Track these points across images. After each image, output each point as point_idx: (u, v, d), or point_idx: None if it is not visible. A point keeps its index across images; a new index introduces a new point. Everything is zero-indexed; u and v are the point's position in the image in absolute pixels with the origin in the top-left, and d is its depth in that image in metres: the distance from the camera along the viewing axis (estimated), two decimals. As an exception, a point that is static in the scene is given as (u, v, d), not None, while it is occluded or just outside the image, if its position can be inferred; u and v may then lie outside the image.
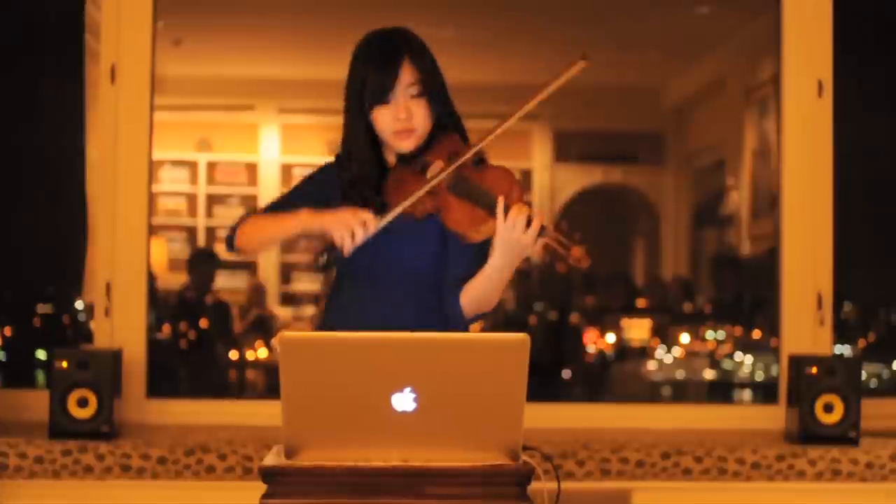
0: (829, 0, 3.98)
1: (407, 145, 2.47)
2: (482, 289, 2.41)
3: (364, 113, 2.47)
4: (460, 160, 2.39)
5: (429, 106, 2.47)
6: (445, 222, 2.40)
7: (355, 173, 2.49)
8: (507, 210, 2.29)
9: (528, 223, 2.27)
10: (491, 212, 2.32)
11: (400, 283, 2.46)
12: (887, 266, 4.21)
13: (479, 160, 2.46)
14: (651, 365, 6.52)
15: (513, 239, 2.28)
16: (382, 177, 2.49)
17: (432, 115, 2.48)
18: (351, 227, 2.35)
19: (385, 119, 2.45)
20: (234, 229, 2.58)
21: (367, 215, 2.37)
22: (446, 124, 2.51)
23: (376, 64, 2.44)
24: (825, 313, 3.94)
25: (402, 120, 2.44)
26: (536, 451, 2.20)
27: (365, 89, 2.45)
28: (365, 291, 2.49)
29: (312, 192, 2.57)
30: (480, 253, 2.41)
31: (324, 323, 2.59)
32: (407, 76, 2.44)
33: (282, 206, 2.55)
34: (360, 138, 2.49)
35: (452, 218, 2.39)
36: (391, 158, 2.53)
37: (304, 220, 2.43)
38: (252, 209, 2.66)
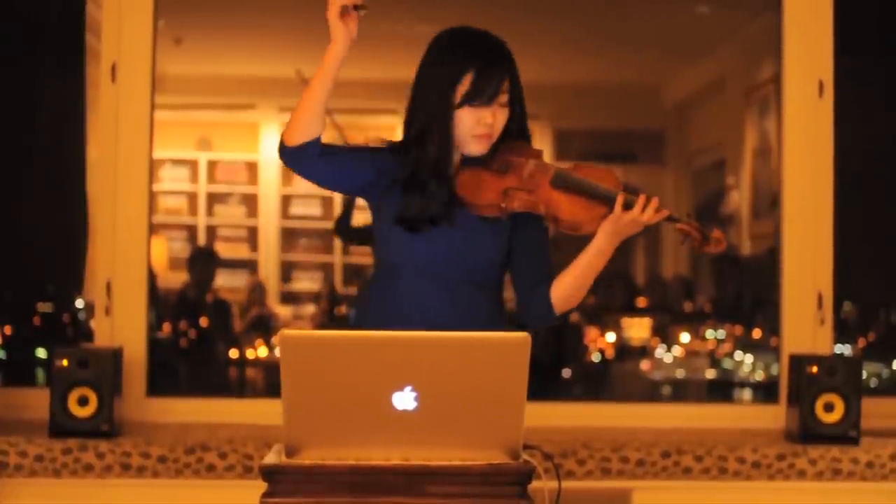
0: (830, 0, 3.98)
1: (481, 149, 2.46)
2: (581, 277, 2.41)
3: (452, 104, 2.43)
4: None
5: (509, 115, 2.47)
6: (558, 217, 2.39)
7: (434, 155, 2.45)
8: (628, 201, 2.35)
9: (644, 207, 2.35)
10: (607, 203, 2.35)
11: (458, 277, 2.46)
12: (887, 266, 4.22)
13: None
14: (651, 364, 6.52)
15: (634, 222, 2.33)
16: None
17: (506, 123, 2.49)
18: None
19: (468, 119, 2.43)
20: (282, 134, 2.51)
21: None
22: (513, 132, 2.50)
23: (482, 64, 2.42)
24: (825, 313, 3.94)
25: (487, 125, 2.43)
26: (537, 449, 2.20)
27: (461, 84, 2.42)
28: (424, 283, 2.45)
29: (368, 157, 2.53)
30: (551, 248, 2.45)
31: (362, 309, 2.60)
32: (505, 83, 2.44)
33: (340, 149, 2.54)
34: (444, 123, 2.44)
35: (567, 211, 2.39)
36: (455, 157, 2.51)
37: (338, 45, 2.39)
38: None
